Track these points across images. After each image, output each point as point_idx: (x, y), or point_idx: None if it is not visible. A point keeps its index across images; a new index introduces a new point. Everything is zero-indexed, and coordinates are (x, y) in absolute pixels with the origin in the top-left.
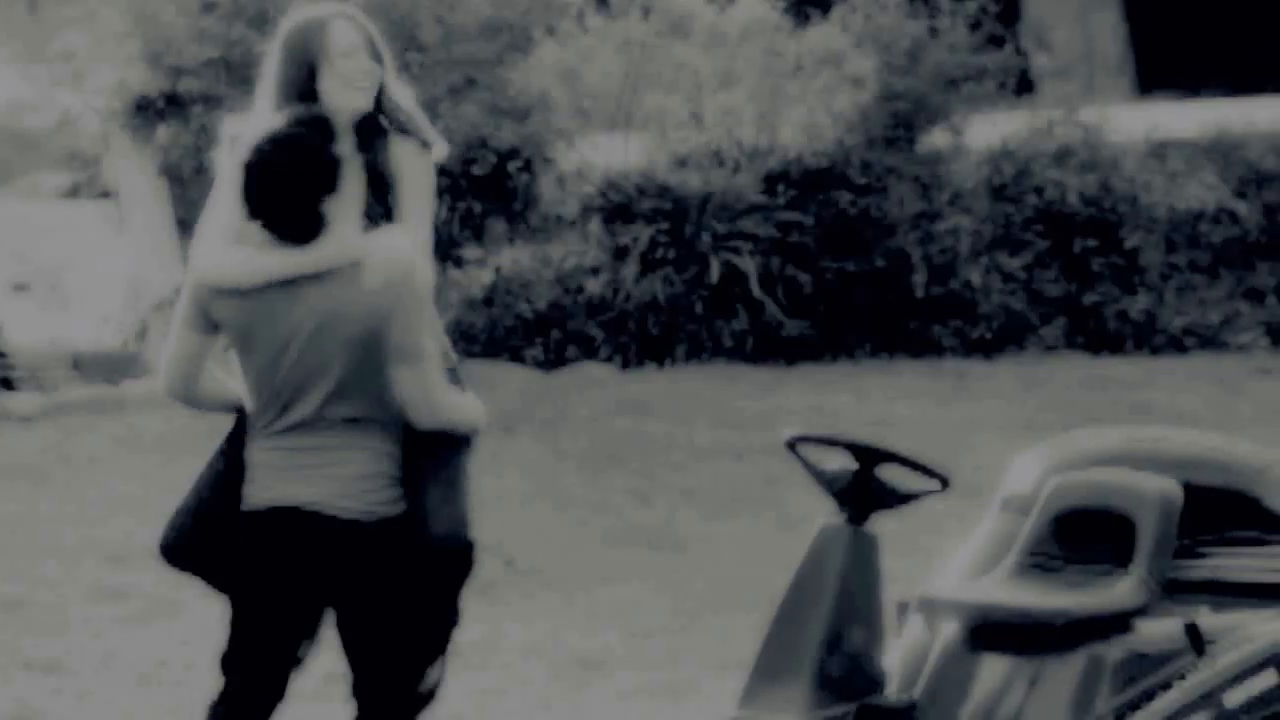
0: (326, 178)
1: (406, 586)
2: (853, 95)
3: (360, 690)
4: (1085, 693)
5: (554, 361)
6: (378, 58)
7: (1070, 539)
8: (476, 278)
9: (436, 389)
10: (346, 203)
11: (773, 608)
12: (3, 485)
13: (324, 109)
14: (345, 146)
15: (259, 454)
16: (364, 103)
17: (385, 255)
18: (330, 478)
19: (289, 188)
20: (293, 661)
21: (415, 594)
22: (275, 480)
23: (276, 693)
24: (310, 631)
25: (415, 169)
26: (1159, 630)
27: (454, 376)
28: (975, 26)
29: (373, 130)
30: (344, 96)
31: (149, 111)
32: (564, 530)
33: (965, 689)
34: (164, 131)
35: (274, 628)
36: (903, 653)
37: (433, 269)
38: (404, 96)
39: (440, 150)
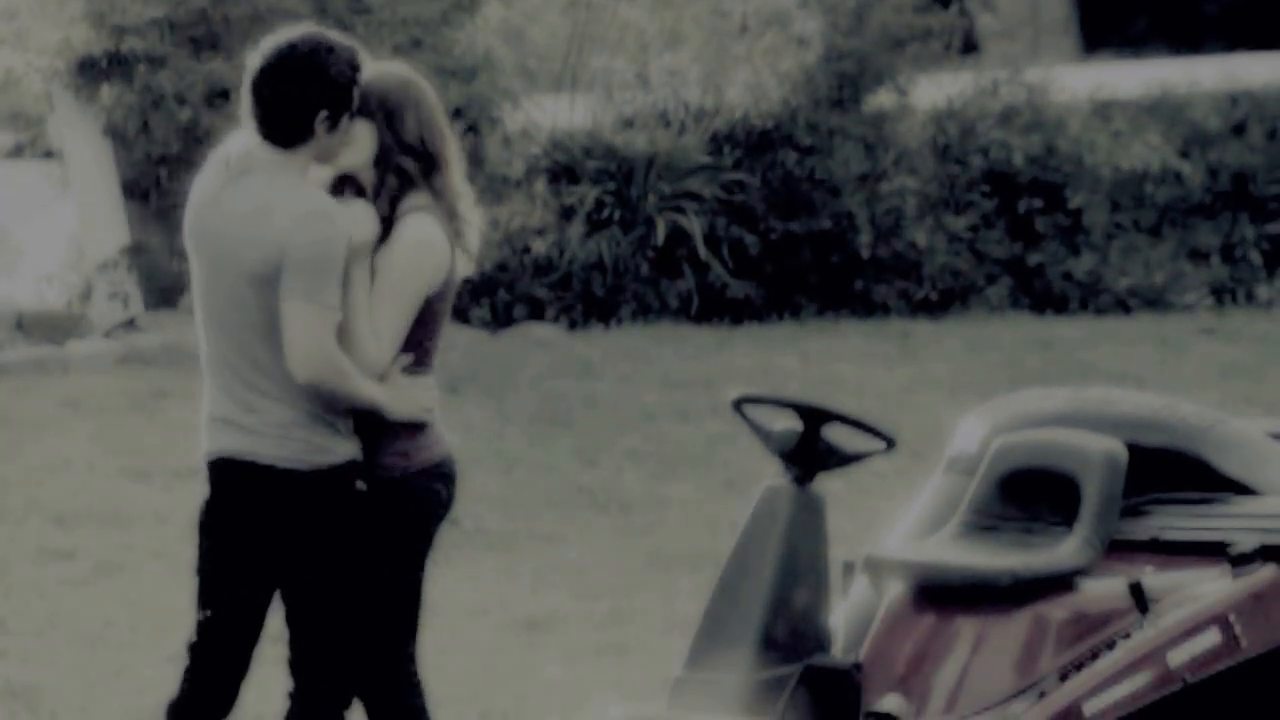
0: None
1: (352, 545)
2: (798, 55)
3: (297, 665)
4: (1030, 652)
5: (500, 322)
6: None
7: (1015, 499)
8: None
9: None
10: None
11: (719, 568)
12: None
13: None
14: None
15: None
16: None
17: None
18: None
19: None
20: (256, 618)
21: (363, 555)
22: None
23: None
24: (267, 587)
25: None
26: (1103, 590)
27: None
28: None
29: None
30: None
31: (93, 71)
32: (510, 491)
33: (910, 649)
34: (108, 91)
35: (227, 580)
36: (848, 613)
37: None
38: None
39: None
